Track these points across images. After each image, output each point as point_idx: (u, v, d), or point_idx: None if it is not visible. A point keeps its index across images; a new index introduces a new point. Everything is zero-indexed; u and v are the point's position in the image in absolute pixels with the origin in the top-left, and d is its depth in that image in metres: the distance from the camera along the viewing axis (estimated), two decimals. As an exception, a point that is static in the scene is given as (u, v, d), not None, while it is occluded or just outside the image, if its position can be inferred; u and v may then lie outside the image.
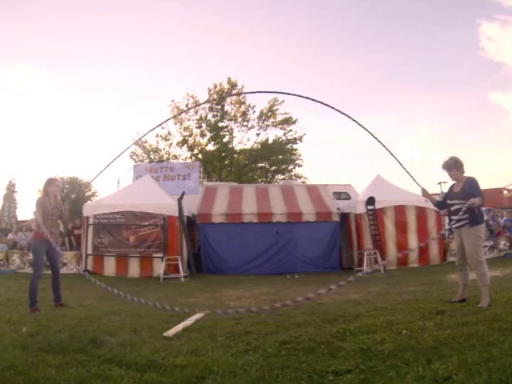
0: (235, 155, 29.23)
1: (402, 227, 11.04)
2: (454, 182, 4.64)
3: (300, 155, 29.60)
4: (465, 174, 4.57)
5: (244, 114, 28.94)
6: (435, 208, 10.71)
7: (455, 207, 4.51)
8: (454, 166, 4.55)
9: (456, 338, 2.84)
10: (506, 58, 52.69)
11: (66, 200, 5.86)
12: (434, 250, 11.01)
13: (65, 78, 50.43)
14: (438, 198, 5.37)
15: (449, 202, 4.64)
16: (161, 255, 10.29)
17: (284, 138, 29.09)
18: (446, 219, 10.02)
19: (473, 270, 4.41)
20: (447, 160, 4.59)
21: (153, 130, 4.57)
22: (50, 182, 5.49)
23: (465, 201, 4.35)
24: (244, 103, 29.03)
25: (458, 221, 4.44)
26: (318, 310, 4.61)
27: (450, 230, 4.73)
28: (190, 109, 27.77)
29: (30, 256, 10.56)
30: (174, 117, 27.06)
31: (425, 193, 5.01)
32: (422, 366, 2.32)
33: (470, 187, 4.38)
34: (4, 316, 4.37)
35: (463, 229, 4.39)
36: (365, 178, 56.10)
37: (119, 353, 2.85)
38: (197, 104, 28.26)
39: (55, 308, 5.14)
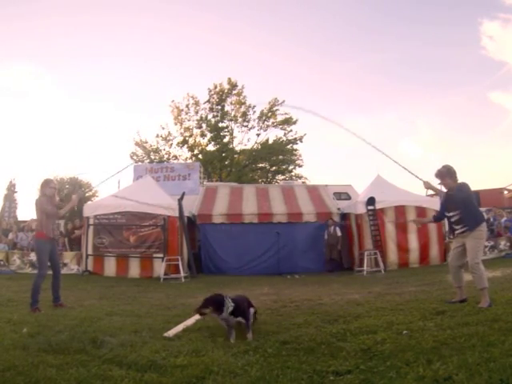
0: (235, 155, 29.22)
1: (402, 227, 11.04)
2: (448, 190, 4.65)
3: (300, 155, 29.62)
4: (459, 181, 4.59)
5: (244, 114, 28.93)
6: (433, 205, 10.90)
7: (455, 218, 4.56)
8: (447, 174, 4.55)
9: (456, 339, 2.84)
10: (507, 56, 52.59)
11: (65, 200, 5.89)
12: (434, 250, 11.01)
13: (65, 78, 50.38)
14: (438, 200, 5.37)
15: (447, 214, 4.67)
16: (161, 255, 10.29)
17: (284, 139, 29.09)
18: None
19: (469, 272, 4.43)
20: (440, 169, 4.60)
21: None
22: (46, 184, 5.50)
23: (460, 210, 4.41)
24: (244, 103, 29.03)
25: (461, 228, 4.47)
26: (319, 310, 4.61)
27: (453, 234, 4.72)
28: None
29: (31, 256, 10.60)
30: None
31: (427, 185, 4.87)
32: (423, 367, 2.32)
33: (461, 194, 4.42)
34: (4, 316, 4.38)
35: (466, 234, 4.43)
36: (365, 178, 56.07)
37: (120, 353, 2.85)
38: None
39: (56, 308, 5.14)
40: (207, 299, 3.66)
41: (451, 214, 4.58)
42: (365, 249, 10.60)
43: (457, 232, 4.56)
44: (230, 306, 3.45)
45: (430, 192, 5.06)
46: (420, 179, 4.89)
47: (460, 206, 4.42)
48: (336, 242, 11.25)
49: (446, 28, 41.88)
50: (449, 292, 5.24)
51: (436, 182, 4.71)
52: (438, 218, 5.15)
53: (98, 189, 28.97)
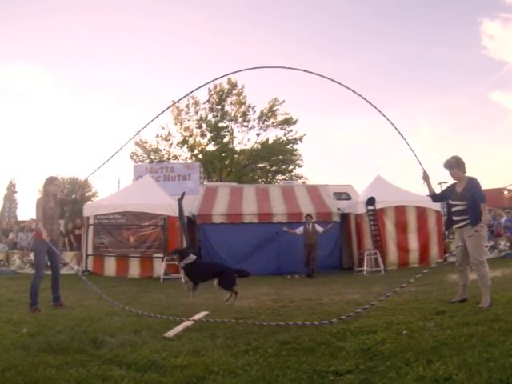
0: (235, 155, 29.23)
1: (402, 227, 11.04)
2: (455, 181, 4.65)
3: (300, 155, 29.63)
4: (466, 174, 4.59)
5: (244, 114, 28.94)
6: (434, 205, 10.92)
7: (457, 208, 4.52)
8: (455, 165, 4.56)
9: (456, 339, 2.84)
10: (508, 56, 52.65)
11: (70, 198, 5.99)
12: (434, 250, 11.02)
13: (65, 78, 50.44)
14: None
15: (450, 202, 4.65)
16: (161, 255, 10.29)
17: (284, 139, 29.10)
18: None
19: (473, 271, 4.42)
20: (449, 159, 4.61)
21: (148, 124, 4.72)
22: (50, 181, 5.48)
23: (466, 202, 4.38)
24: (244, 103, 29.04)
25: (460, 221, 4.46)
26: (319, 310, 4.61)
27: (449, 229, 4.75)
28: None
29: (31, 256, 10.59)
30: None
31: (425, 176, 4.86)
32: (423, 367, 2.31)
33: (472, 190, 4.40)
34: (4, 316, 4.37)
35: (465, 229, 4.41)
36: (365, 178, 56.08)
37: (119, 353, 2.85)
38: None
39: (55, 308, 5.14)
40: (177, 249, 5.87)
41: (456, 202, 4.54)
42: (364, 249, 10.60)
43: (456, 226, 4.56)
44: (188, 259, 4.80)
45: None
46: (422, 168, 4.88)
47: (469, 197, 4.39)
48: (315, 241, 10.45)
49: (446, 28, 41.94)
50: (449, 292, 5.24)
51: (445, 173, 4.70)
52: (437, 198, 5.11)
53: (96, 185, 29.09)
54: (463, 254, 4.52)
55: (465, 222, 4.42)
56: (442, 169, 4.68)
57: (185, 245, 10.71)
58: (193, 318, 4.22)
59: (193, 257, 4.97)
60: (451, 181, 4.77)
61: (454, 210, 4.58)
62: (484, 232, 4.43)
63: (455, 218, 4.57)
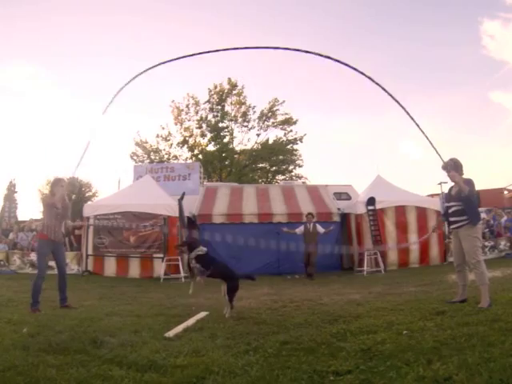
0: (235, 156, 29.22)
1: (402, 227, 11.04)
2: (453, 183, 4.68)
3: (300, 155, 29.62)
4: (465, 176, 4.61)
5: (244, 114, 28.94)
6: (434, 205, 10.97)
7: (453, 209, 4.57)
8: (453, 167, 4.59)
9: (456, 339, 2.84)
10: (508, 56, 52.56)
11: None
12: (435, 250, 11.01)
13: (65, 78, 50.43)
14: (438, 200, 5.43)
15: (446, 204, 4.69)
16: (161, 256, 10.29)
17: (284, 139, 29.09)
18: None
19: (472, 271, 4.45)
20: (447, 161, 4.64)
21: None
22: (56, 182, 5.53)
23: (462, 202, 4.41)
24: (244, 103, 29.06)
25: (456, 222, 4.49)
26: (319, 310, 4.61)
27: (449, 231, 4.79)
28: None
29: (31, 256, 10.60)
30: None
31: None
32: (423, 367, 2.32)
33: (468, 186, 4.42)
34: (5, 316, 4.37)
35: (461, 230, 4.45)
36: (365, 178, 56.06)
37: (120, 353, 2.85)
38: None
39: (56, 308, 5.14)
40: (185, 241, 5.73)
41: (451, 203, 4.59)
42: (365, 249, 10.59)
43: (452, 227, 4.59)
44: (200, 251, 4.50)
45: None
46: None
47: (464, 198, 4.42)
48: (316, 242, 9.97)
49: (446, 28, 41.91)
50: (449, 292, 5.25)
51: (445, 173, 4.72)
52: (445, 214, 5.15)
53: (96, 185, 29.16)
54: (460, 254, 4.55)
55: (461, 223, 4.45)
56: (441, 170, 4.69)
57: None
58: (193, 317, 4.23)
59: (204, 249, 4.58)
60: (451, 181, 4.79)
61: (450, 211, 4.63)
62: (479, 233, 4.48)
63: (451, 219, 4.61)
